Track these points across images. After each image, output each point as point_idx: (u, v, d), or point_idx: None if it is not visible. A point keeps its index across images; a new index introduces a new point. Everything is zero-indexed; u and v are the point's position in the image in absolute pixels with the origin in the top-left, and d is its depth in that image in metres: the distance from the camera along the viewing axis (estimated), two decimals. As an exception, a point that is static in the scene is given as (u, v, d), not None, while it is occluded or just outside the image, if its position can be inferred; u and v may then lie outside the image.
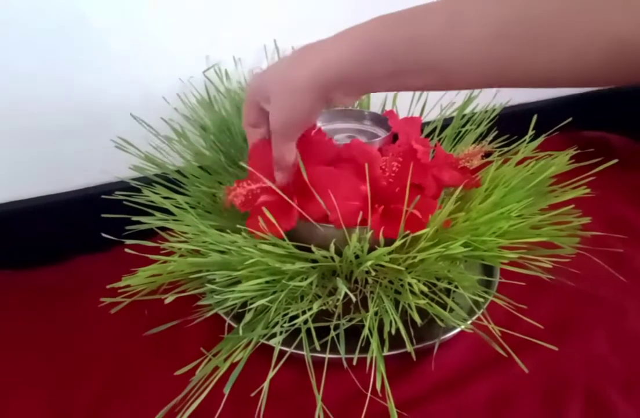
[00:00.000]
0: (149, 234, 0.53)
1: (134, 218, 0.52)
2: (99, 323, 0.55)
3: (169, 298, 0.41)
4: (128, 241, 0.44)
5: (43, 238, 0.66)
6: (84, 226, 0.63)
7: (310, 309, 0.42)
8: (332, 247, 0.43)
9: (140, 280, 0.43)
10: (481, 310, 0.49)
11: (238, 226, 0.44)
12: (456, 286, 0.48)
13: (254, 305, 0.41)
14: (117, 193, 0.56)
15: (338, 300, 0.43)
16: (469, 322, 0.48)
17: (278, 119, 0.42)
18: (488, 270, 0.59)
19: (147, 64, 0.62)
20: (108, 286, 0.44)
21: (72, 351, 0.54)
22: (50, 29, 0.56)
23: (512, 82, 0.34)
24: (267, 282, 0.42)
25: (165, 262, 0.45)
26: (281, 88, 0.40)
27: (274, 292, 0.43)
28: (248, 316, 0.43)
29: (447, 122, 0.66)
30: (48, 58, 0.57)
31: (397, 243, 0.42)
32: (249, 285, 0.40)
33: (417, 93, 0.65)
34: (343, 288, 0.41)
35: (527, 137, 0.56)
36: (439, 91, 0.39)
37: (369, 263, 0.41)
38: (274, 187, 0.46)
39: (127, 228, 0.53)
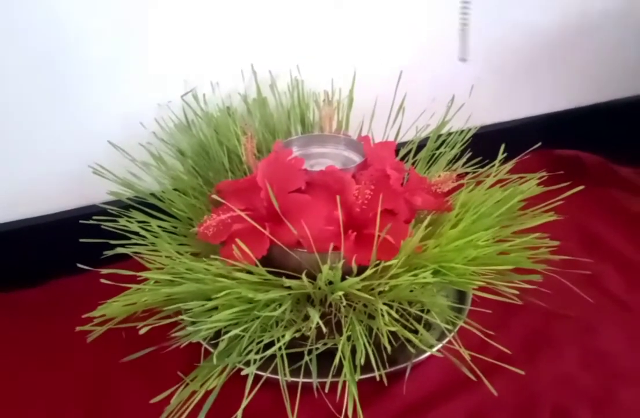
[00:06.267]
0: (127, 256, 0.53)
1: (112, 242, 0.53)
2: (76, 347, 0.54)
3: (143, 329, 0.41)
4: (103, 271, 0.45)
5: (21, 260, 0.66)
6: (62, 249, 0.64)
7: (283, 336, 0.42)
8: (304, 277, 0.44)
9: (115, 309, 0.44)
10: (452, 334, 0.50)
11: (212, 256, 0.45)
12: (428, 311, 0.49)
13: (228, 335, 0.42)
14: (95, 217, 0.56)
15: (311, 327, 0.44)
16: (439, 347, 0.49)
17: None
18: (461, 292, 0.60)
19: (125, 89, 0.63)
20: (84, 316, 0.44)
21: (49, 377, 0.54)
22: (30, 54, 0.57)
23: None
24: (241, 310, 0.43)
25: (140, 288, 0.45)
26: None
27: (249, 320, 0.44)
28: (222, 345, 0.43)
29: (422, 143, 0.68)
30: (27, 86, 0.58)
31: (369, 272, 0.43)
32: (222, 315, 0.41)
33: (393, 116, 0.67)
34: (315, 317, 0.42)
35: (496, 162, 0.58)
36: None
37: (340, 292, 0.42)
38: (244, 216, 0.47)
39: (104, 252, 0.54)
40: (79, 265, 0.47)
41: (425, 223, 0.45)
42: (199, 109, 0.65)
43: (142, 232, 0.48)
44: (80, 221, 0.56)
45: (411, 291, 0.48)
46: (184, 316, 0.41)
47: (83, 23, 0.58)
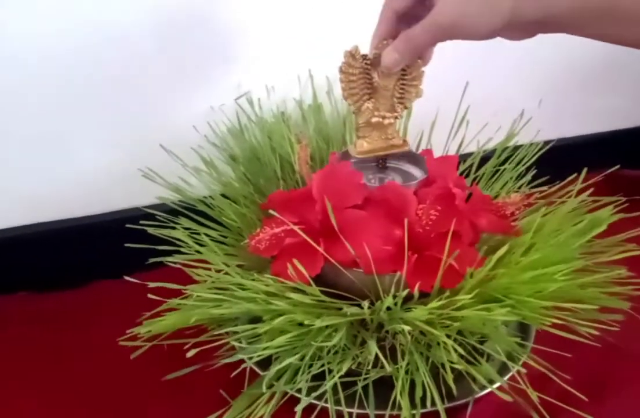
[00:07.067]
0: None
1: (160, 248, 0.51)
2: (114, 359, 0.52)
3: (191, 352, 0.39)
4: (151, 284, 0.43)
5: (63, 261, 0.65)
6: (106, 251, 0.62)
7: (339, 364, 0.39)
8: (365, 305, 0.40)
9: (161, 326, 0.41)
10: (514, 369, 0.46)
11: (266, 275, 0.42)
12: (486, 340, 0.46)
13: (282, 365, 0.39)
14: (141, 222, 0.54)
15: (367, 358, 0.40)
16: (502, 383, 0.45)
17: (450, 14, 0.39)
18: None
19: (179, 91, 0.61)
20: (128, 331, 0.42)
21: (81, 391, 0.52)
22: (82, 55, 0.55)
23: None
24: (294, 335, 0.40)
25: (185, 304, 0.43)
26: None
27: (302, 345, 0.41)
28: (271, 372, 0.40)
29: (485, 155, 0.64)
30: (79, 86, 0.57)
31: (436, 303, 0.40)
32: (276, 341, 0.38)
33: (455, 128, 0.63)
34: (373, 348, 0.38)
35: (580, 178, 0.52)
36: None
37: (406, 327, 0.38)
38: (300, 232, 0.44)
39: (151, 259, 0.52)
40: (126, 277, 0.45)
41: (503, 251, 0.41)
42: (253, 114, 0.62)
43: (188, 240, 0.46)
44: (127, 226, 0.55)
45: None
46: (234, 342, 0.39)
47: (134, 21, 0.56)
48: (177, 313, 0.42)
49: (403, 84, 0.48)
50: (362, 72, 0.47)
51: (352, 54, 0.46)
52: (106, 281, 0.65)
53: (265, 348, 0.38)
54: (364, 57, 0.46)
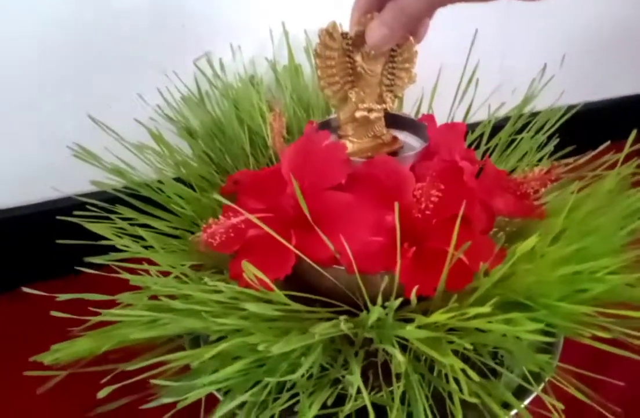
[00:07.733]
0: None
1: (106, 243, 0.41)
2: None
3: (103, 391, 0.29)
4: (61, 297, 0.32)
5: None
6: (36, 248, 0.54)
7: (312, 401, 0.29)
8: (342, 319, 0.30)
9: (72, 353, 0.31)
10: (537, 391, 0.36)
11: (216, 280, 0.32)
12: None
13: (233, 404, 0.29)
14: (75, 212, 0.44)
15: (348, 392, 0.30)
16: (519, 411, 0.35)
17: None
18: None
19: (118, 49, 0.50)
20: (31, 359, 0.32)
21: None
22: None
23: None
24: (250, 361, 0.30)
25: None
26: None
27: (262, 373, 0.31)
28: (220, 412, 0.30)
29: (498, 123, 0.54)
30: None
31: (439, 316, 0.29)
32: (223, 373, 0.28)
33: (460, 92, 0.53)
34: (357, 381, 0.28)
35: (625, 148, 0.41)
36: None
37: (400, 359, 0.28)
38: (261, 224, 0.34)
39: (85, 259, 0.42)
40: (24, 289, 0.35)
41: (533, 242, 0.31)
42: (215, 78, 0.53)
43: (108, 234, 0.36)
44: (58, 217, 0.45)
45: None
46: (156, 381, 0.28)
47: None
48: (93, 334, 0.32)
49: (393, 68, 0.40)
50: (342, 55, 0.38)
51: (329, 33, 0.37)
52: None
53: (207, 384, 0.28)
54: (345, 35, 0.37)
